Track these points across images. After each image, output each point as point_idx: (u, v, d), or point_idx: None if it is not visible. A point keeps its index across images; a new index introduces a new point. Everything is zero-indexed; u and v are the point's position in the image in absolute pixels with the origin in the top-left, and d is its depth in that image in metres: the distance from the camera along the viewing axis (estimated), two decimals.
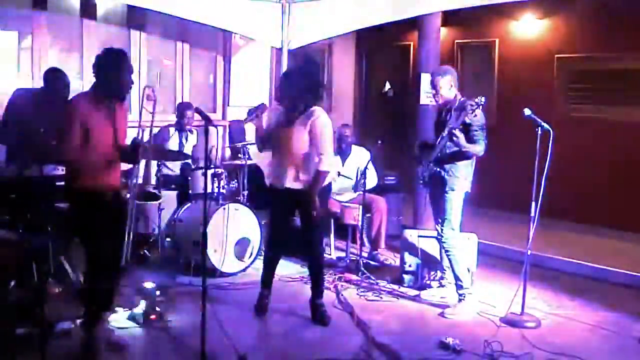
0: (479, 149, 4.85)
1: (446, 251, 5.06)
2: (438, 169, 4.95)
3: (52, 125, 4.60)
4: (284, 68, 7.01)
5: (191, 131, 6.70)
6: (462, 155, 4.89)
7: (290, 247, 6.39)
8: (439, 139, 4.91)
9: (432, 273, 5.53)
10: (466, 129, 4.81)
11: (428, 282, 5.53)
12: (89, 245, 4.02)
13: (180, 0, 6.28)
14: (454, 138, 4.74)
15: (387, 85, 9.65)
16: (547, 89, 7.87)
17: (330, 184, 4.82)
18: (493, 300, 5.28)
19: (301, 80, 4.61)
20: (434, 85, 5.01)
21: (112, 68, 3.97)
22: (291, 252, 6.42)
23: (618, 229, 7.12)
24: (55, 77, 5.53)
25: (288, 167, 4.67)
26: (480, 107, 4.70)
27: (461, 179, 4.95)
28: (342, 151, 6.60)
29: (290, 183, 4.68)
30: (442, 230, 5.02)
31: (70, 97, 5.30)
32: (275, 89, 4.73)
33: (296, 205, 4.85)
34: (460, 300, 5.07)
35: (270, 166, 4.90)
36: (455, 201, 4.96)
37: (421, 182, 5.17)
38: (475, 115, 4.76)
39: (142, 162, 5.91)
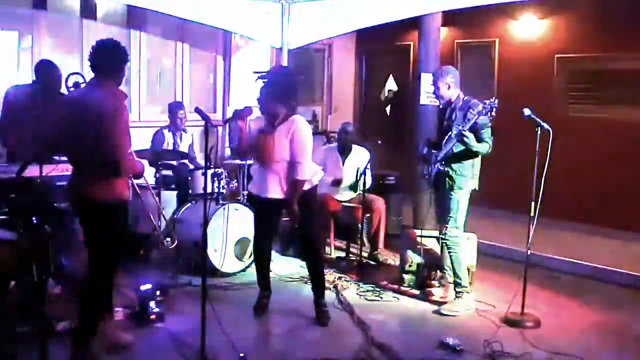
0: (486, 148, 4.88)
1: (449, 249, 5.07)
2: (446, 168, 4.96)
3: (49, 118, 4.58)
4: None
5: (185, 130, 6.68)
6: (469, 154, 4.91)
7: (290, 248, 6.47)
8: (446, 139, 4.91)
9: (432, 273, 5.53)
10: (473, 129, 4.82)
11: (428, 282, 5.53)
12: (103, 250, 3.92)
13: (180, 0, 6.27)
14: (465, 139, 4.76)
15: (388, 87, 9.63)
16: (547, 89, 7.86)
17: (315, 188, 4.82)
18: (493, 300, 5.28)
19: (280, 89, 4.61)
20: (434, 86, 5.04)
21: (122, 57, 3.93)
22: (291, 252, 6.45)
23: (618, 229, 7.11)
24: (50, 71, 5.50)
25: (271, 176, 4.67)
26: (494, 109, 4.72)
27: (468, 177, 4.97)
28: (344, 149, 6.61)
29: (273, 194, 4.68)
30: (446, 228, 5.03)
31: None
32: (258, 100, 4.69)
33: (281, 211, 4.89)
34: (457, 297, 5.08)
35: (254, 175, 4.88)
36: (461, 200, 4.98)
37: (427, 180, 5.16)
38: (492, 118, 4.77)
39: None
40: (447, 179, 4.96)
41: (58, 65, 5.59)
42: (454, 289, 5.11)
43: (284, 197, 4.68)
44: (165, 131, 6.58)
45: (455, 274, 5.07)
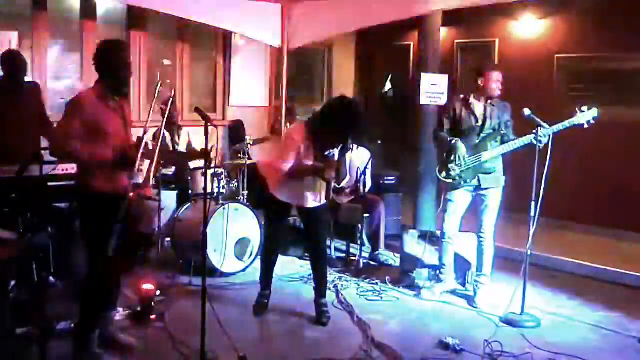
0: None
1: (488, 247, 5.25)
2: (490, 166, 5.04)
3: (20, 112, 4.57)
4: (284, 68, 7.01)
5: (180, 127, 6.62)
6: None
7: (291, 248, 6.46)
8: (494, 132, 5.01)
9: (432, 273, 5.53)
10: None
11: (428, 281, 5.53)
12: (96, 247, 3.89)
13: (180, 0, 6.28)
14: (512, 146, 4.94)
15: (388, 85, 9.64)
16: (547, 89, 7.87)
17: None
18: (493, 300, 5.28)
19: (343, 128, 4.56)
20: (501, 80, 5.06)
21: (114, 59, 3.88)
22: (292, 252, 6.45)
23: (618, 228, 7.12)
24: (18, 61, 5.49)
25: (314, 191, 4.72)
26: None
27: (503, 174, 5.14)
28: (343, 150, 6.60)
29: (311, 204, 4.76)
30: (489, 226, 5.18)
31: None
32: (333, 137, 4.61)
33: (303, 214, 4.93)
34: (438, 281, 5.37)
35: (288, 185, 4.73)
36: (500, 196, 5.14)
37: (458, 181, 5.10)
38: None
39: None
40: (489, 178, 5.07)
41: (58, 65, 5.58)
42: (478, 280, 5.28)
43: (317, 206, 4.77)
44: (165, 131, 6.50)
45: (491, 265, 5.29)
